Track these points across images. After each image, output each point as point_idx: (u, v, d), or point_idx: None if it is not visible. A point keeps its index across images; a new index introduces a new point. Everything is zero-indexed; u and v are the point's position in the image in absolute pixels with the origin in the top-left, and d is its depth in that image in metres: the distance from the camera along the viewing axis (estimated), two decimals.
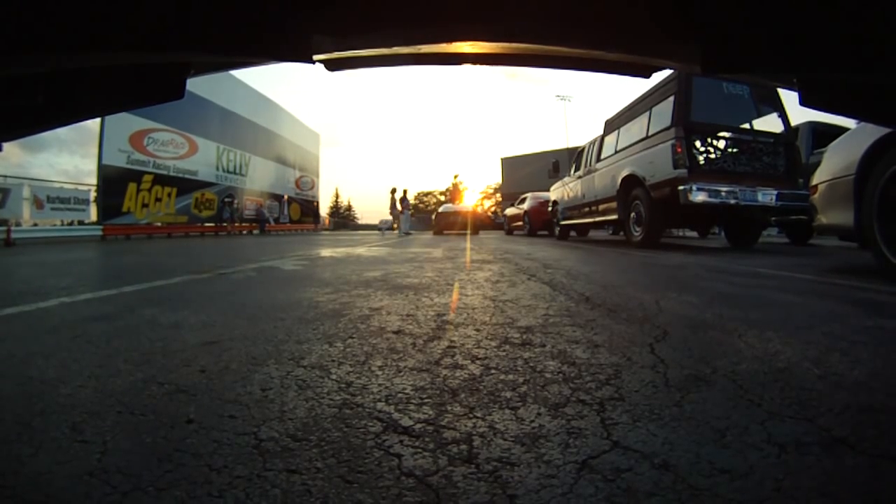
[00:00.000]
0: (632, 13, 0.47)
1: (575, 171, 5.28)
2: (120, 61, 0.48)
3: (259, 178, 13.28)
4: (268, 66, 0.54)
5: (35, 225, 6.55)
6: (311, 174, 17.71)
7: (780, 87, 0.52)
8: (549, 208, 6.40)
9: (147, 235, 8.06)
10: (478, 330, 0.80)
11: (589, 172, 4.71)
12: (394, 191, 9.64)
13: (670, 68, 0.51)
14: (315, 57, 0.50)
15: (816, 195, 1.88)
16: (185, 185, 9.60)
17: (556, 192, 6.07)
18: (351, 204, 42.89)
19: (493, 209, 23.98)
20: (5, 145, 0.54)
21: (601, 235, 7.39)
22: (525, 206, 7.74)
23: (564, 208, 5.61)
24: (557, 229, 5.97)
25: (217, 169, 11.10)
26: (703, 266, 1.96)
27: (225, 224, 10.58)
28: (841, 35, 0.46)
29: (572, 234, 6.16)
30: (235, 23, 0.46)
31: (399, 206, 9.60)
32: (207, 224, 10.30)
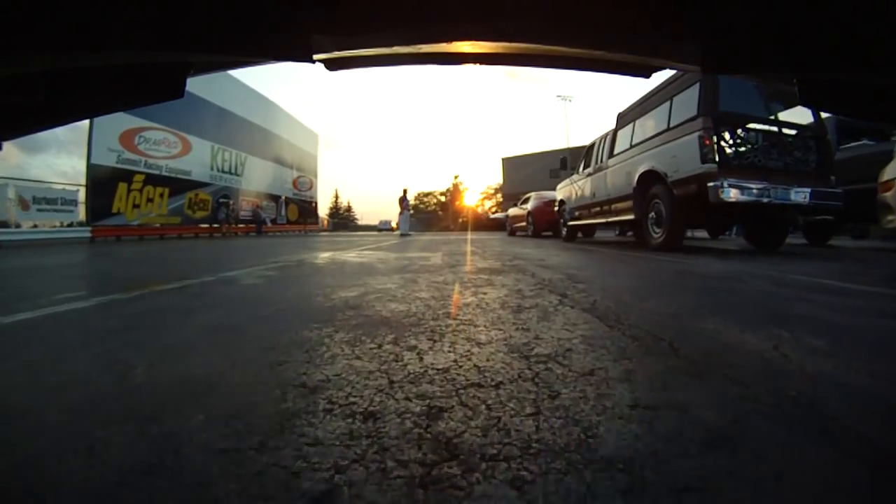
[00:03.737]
0: (632, 13, 0.49)
1: (584, 169, 5.11)
2: (120, 61, 0.50)
3: (255, 178, 13.38)
4: (268, 66, 0.56)
5: (18, 227, 6.57)
6: (308, 174, 17.87)
7: (779, 87, 0.54)
8: (556, 208, 6.28)
9: (139, 237, 8.10)
10: (519, 464, 0.37)
11: (600, 170, 4.54)
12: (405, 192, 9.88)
13: (670, 68, 0.53)
14: (315, 57, 0.52)
15: (890, 192, 1.73)
16: (178, 185, 9.67)
17: (563, 191, 5.90)
18: (350, 205, 44.74)
19: (493, 210, 24.42)
20: (5, 145, 0.55)
21: (607, 236, 7.18)
22: (529, 206, 7.65)
23: (572, 208, 5.44)
24: (564, 230, 5.84)
25: (212, 169, 11.17)
26: (758, 276, 1.68)
27: (220, 225, 10.63)
28: (841, 35, 0.48)
29: (577, 234, 6.14)
30: (235, 23, 0.48)
31: (400, 207, 9.71)
32: (202, 225, 10.41)
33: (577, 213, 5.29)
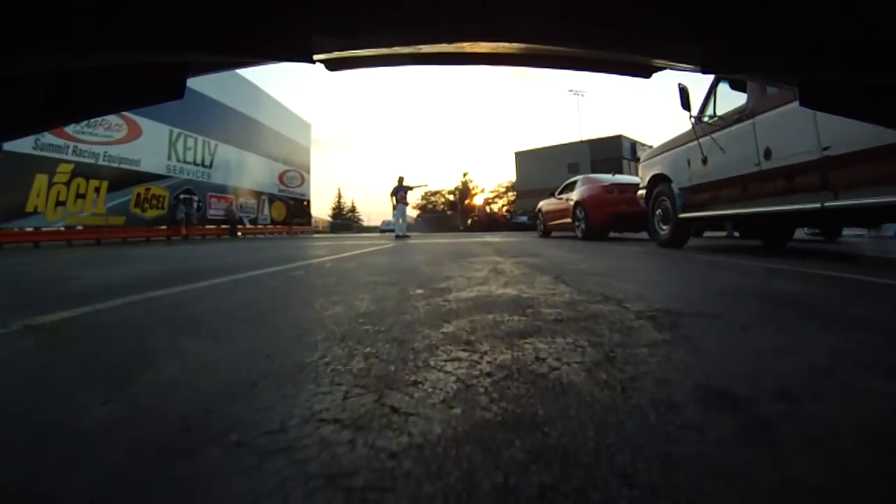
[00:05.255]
0: (632, 13, 0.62)
1: (713, 118, 3.40)
2: (120, 61, 0.63)
3: (230, 170, 13.59)
4: (268, 66, 0.69)
5: None
6: (299, 169, 18.29)
7: (779, 87, 0.67)
8: (639, 193, 4.59)
9: (66, 242, 8.03)
10: None
11: (772, 106, 2.75)
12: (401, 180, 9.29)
13: (670, 68, 0.66)
14: (315, 57, 0.65)
15: None
16: (121, 177, 9.51)
17: (662, 161, 4.19)
18: (355, 205, 50.87)
19: (506, 208, 25.26)
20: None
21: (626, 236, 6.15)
22: (576, 194, 6.32)
23: (690, 188, 3.67)
24: (664, 228, 4.09)
25: (170, 158, 11.07)
26: None
27: (180, 227, 10.66)
28: (841, 35, 0.62)
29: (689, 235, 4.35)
30: (235, 23, 0.61)
31: (393, 200, 9.16)
32: (159, 227, 10.39)
33: (701, 198, 3.52)
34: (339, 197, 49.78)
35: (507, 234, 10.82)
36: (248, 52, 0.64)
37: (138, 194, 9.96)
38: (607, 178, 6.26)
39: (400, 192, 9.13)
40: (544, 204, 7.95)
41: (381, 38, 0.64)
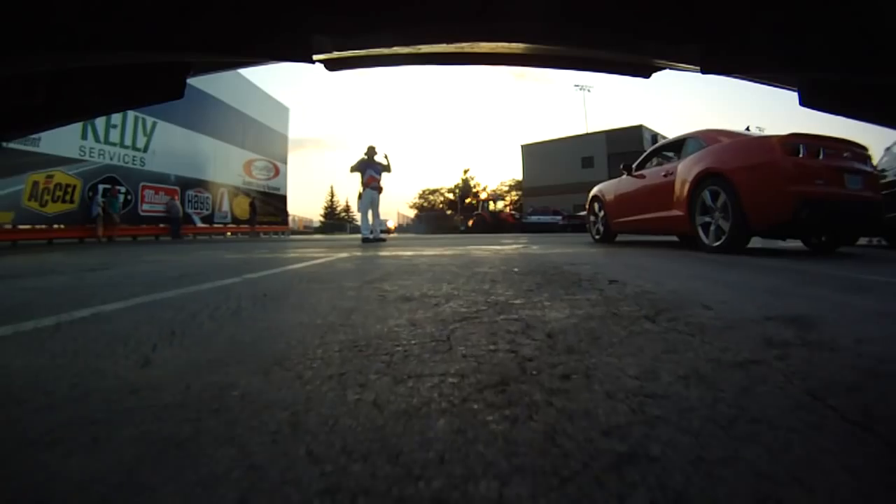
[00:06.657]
0: (632, 13, 0.68)
1: None
2: (120, 61, 0.69)
3: (174, 156, 12.18)
4: (272, 65, 0.75)
5: None
6: (271, 158, 17.31)
7: (779, 87, 0.73)
8: None
9: None
10: None
11: None
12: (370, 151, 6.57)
13: (670, 68, 0.72)
14: (315, 57, 0.72)
15: None
16: (9, 160, 8.06)
17: None
18: (350, 205, 53.36)
19: (509, 208, 25.49)
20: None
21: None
22: (697, 162, 3.78)
23: None
24: None
25: (84, 137, 9.47)
26: None
27: (96, 225, 9.27)
28: (841, 35, 0.68)
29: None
30: (235, 23, 0.68)
31: (360, 185, 6.43)
32: (60, 226, 8.66)
33: None
34: (332, 196, 54.01)
35: (530, 238, 8.33)
36: (248, 52, 0.70)
37: (35, 183, 8.35)
38: (758, 133, 3.82)
39: (369, 170, 6.32)
40: (607, 189, 5.54)
41: (381, 38, 0.71)
